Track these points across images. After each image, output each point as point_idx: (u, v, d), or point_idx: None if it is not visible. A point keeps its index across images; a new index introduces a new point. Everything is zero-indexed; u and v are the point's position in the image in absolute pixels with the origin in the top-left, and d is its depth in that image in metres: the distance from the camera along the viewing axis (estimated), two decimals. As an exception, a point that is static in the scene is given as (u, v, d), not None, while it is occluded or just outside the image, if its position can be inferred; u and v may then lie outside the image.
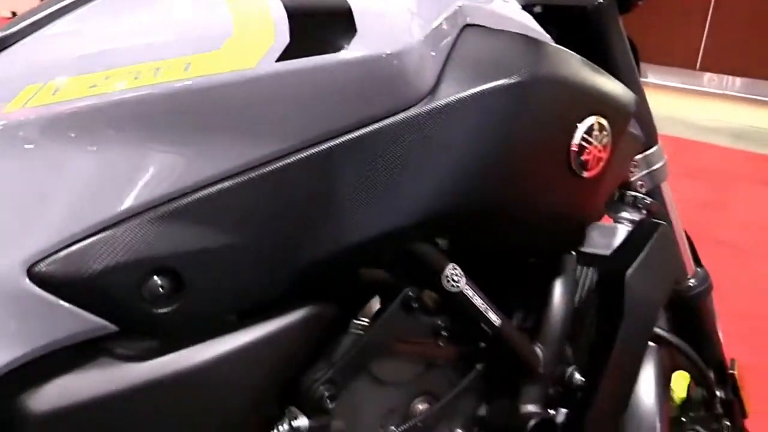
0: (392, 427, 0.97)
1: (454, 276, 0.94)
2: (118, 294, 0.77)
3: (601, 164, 0.98)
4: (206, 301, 0.82)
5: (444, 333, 0.99)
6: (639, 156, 1.33)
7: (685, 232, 1.48)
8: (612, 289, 1.11)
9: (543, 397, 1.07)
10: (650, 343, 1.41)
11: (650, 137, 1.34)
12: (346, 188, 0.84)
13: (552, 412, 1.16)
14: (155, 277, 0.78)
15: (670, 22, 6.67)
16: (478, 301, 0.97)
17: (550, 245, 1.04)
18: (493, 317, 0.98)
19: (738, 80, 6.95)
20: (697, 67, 6.96)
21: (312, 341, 0.89)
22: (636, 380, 1.15)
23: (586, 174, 0.96)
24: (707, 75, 6.99)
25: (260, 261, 0.82)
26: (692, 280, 1.46)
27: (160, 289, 0.78)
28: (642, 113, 1.27)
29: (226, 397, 0.84)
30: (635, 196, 1.24)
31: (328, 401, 0.91)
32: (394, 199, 0.85)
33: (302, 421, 0.92)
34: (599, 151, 0.96)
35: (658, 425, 1.39)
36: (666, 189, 1.39)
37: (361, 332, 0.94)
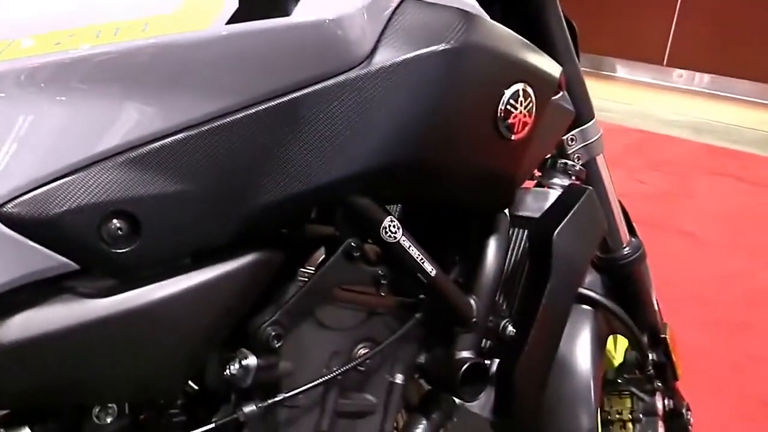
0: (336, 369, 1.06)
1: (392, 227, 1.03)
2: (80, 234, 0.83)
3: (527, 129, 1.06)
4: (161, 243, 0.88)
5: (383, 282, 1.07)
6: (575, 130, 1.43)
7: (620, 202, 1.58)
8: (540, 248, 1.20)
9: (476, 345, 1.17)
10: (586, 307, 1.52)
11: (586, 113, 1.43)
12: (289, 143, 0.92)
13: (487, 362, 1.26)
14: (114, 220, 0.84)
15: (638, 17, 6.77)
16: (414, 252, 1.05)
17: (481, 203, 1.13)
18: (429, 267, 1.07)
19: (705, 76, 7.06)
20: (665, 62, 7.07)
21: (260, 284, 0.97)
22: (563, 330, 1.25)
23: (512, 137, 1.05)
24: (675, 71, 7.11)
25: (211, 207, 0.90)
26: (626, 249, 1.56)
27: (119, 231, 0.85)
28: (576, 89, 1.37)
29: (180, 333, 0.91)
30: (565, 163, 1.34)
31: (275, 341, 1.00)
32: (334, 154, 0.93)
33: (251, 360, 1.00)
34: (524, 116, 1.05)
35: (591, 385, 1.49)
36: (601, 162, 1.48)
37: (306, 279, 1.03)
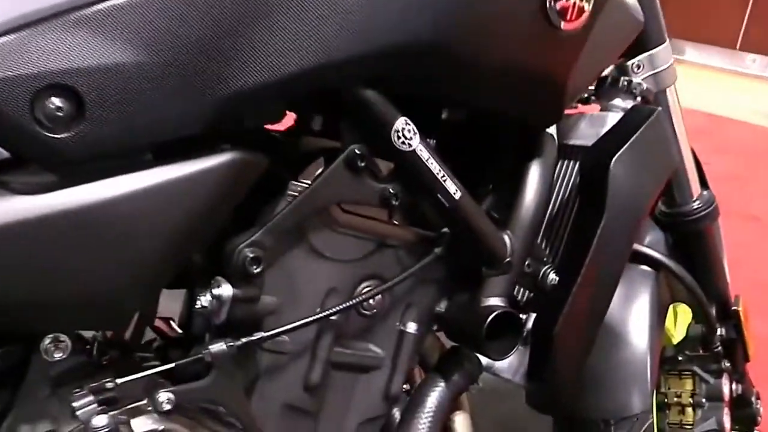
0: (332, 309, 0.85)
1: (406, 132, 0.82)
2: (9, 113, 0.67)
3: (582, 19, 0.84)
4: (110, 128, 0.71)
5: (395, 203, 0.86)
6: (643, 55, 1.19)
7: (693, 151, 1.34)
8: (594, 178, 0.98)
9: (509, 292, 0.95)
10: (646, 268, 1.29)
11: (656, 34, 1.19)
12: (272, 11, 0.72)
13: (522, 316, 1.04)
14: (51, 97, 0.67)
15: (712, 0, 6.43)
16: (434, 166, 0.84)
17: (523, 112, 0.91)
18: (452, 188, 0.86)
19: (780, 63, 6.69)
20: (738, 47, 6.70)
21: (237, 191, 0.78)
22: (615, 286, 1.02)
23: (563, 25, 0.83)
24: (748, 56, 6.73)
25: (170, 87, 0.71)
26: (697, 202, 1.32)
27: (57, 111, 0.68)
28: (646, 4, 1.13)
29: (135, 244, 0.74)
30: (629, 81, 1.10)
31: (253, 266, 0.80)
32: (334, 28, 0.73)
33: (226, 290, 0.81)
34: (580, 1, 0.83)
35: (648, 359, 1.26)
36: (672, 96, 1.24)
37: (297, 194, 0.82)
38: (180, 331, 1.06)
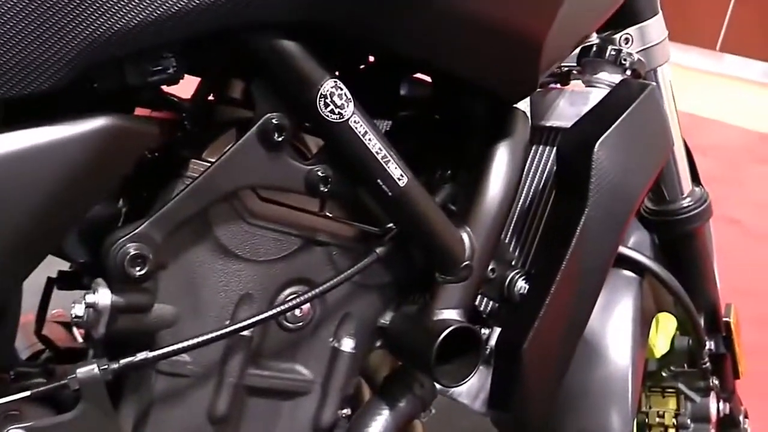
0: (245, 321, 0.67)
1: (336, 97, 0.63)
2: None
3: (563, -40, 0.66)
4: None
5: (324, 189, 0.67)
6: (632, 27, 1.01)
7: (685, 142, 1.17)
8: (574, 164, 0.80)
9: (467, 303, 0.77)
10: (629, 273, 1.11)
11: (649, 5, 1.01)
12: None
13: (484, 331, 0.86)
14: None
15: (691, 1, 6.31)
16: (373, 143, 0.66)
17: (486, 77, 0.72)
18: (397, 172, 0.67)
19: (759, 64, 6.57)
20: (718, 48, 6.58)
21: (111, 165, 0.60)
22: (597, 295, 0.84)
23: (538, -33, 0.65)
24: (728, 57, 6.62)
25: (11, 27, 0.52)
26: (687, 199, 1.15)
27: None
28: None
29: None
30: (618, 50, 0.92)
31: (134, 266, 0.61)
32: None
33: (102, 297, 0.62)
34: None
35: (630, 375, 1.08)
36: (664, 75, 1.06)
37: (197, 175, 0.64)
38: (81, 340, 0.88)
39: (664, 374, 1.29)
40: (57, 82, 0.55)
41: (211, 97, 0.74)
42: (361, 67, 0.79)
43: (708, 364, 1.25)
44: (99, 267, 0.64)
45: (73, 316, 0.64)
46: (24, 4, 0.53)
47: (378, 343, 0.80)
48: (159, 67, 0.61)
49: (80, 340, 0.99)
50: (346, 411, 0.84)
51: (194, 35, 0.58)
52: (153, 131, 0.61)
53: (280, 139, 0.64)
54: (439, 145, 0.83)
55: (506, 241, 0.84)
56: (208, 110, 0.71)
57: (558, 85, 0.99)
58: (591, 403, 1.08)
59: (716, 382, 1.28)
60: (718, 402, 1.30)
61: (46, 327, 0.85)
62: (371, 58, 0.79)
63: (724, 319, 1.28)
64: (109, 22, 0.55)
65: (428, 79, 0.83)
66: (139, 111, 0.68)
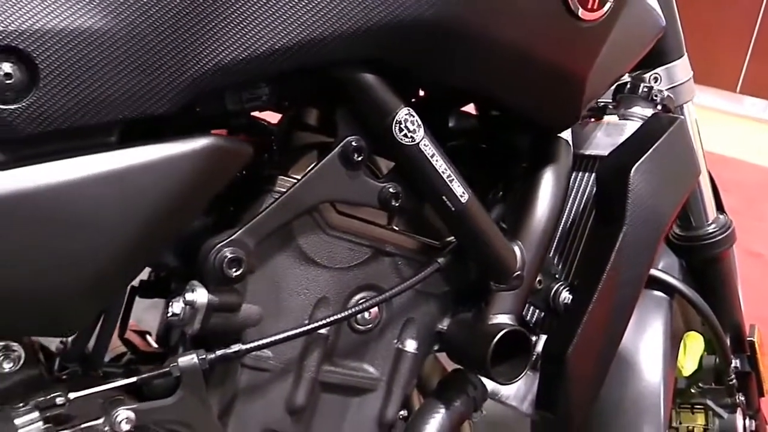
0: (323, 321, 0.73)
1: (409, 123, 0.70)
2: None
3: (604, 9, 0.73)
4: (67, 101, 0.59)
5: (395, 204, 0.74)
6: (661, 68, 1.07)
7: (709, 173, 1.22)
8: (612, 188, 0.86)
9: (518, 310, 0.82)
10: (660, 294, 1.16)
11: (674, 47, 1.08)
12: None
13: (533, 339, 0.91)
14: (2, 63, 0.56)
15: (712, 42, 6.33)
16: (439, 164, 0.72)
17: (537, 109, 0.79)
18: (459, 190, 0.74)
19: (779, 107, 6.57)
20: (738, 90, 6.58)
21: (212, 181, 0.66)
22: (633, 307, 0.89)
23: (583, 14, 0.71)
24: (748, 99, 6.62)
25: (136, 59, 0.60)
26: (713, 226, 1.20)
27: (6, 79, 0.57)
28: (668, 15, 1.01)
29: (90, 228, 0.62)
30: (650, 87, 0.98)
31: (231, 268, 0.68)
32: None
33: (200, 295, 0.69)
34: (603, -10, 0.71)
35: (661, 391, 1.12)
36: (690, 112, 1.12)
37: (285, 190, 0.71)
38: (156, 346, 0.94)
39: (692, 391, 1.32)
40: (172, 106, 0.62)
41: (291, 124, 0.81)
42: (412, 101, 0.87)
43: (734, 381, 1.28)
44: (191, 271, 0.71)
45: (170, 313, 0.70)
46: (149, 39, 0.60)
47: (436, 347, 0.86)
48: (255, 95, 0.69)
49: (155, 346, 1.05)
50: (403, 413, 0.90)
51: (288, 69, 0.65)
52: (248, 151, 0.68)
53: (358, 159, 0.71)
54: (488, 171, 0.90)
55: (551, 256, 0.90)
56: (290, 135, 0.78)
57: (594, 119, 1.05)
58: (625, 418, 1.11)
59: (742, 398, 1.31)
60: (744, 418, 1.32)
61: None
62: (421, 93, 0.86)
63: (749, 338, 1.31)
64: (219, 57, 0.61)
65: (474, 112, 0.90)
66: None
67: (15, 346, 0.69)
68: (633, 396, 1.11)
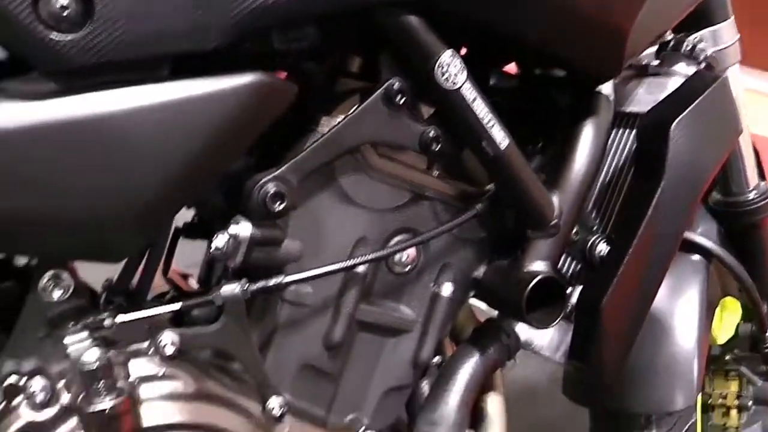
0: (362, 258, 0.74)
1: (452, 66, 0.70)
2: (10, 10, 0.58)
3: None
4: (121, 33, 0.61)
5: (435, 148, 0.75)
6: (705, 30, 1.06)
7: (752, 140, 1.21)
8: (652, 142, 0.85)
9: (554, 258, 0.83)
10: (697, 257, 1.15)
11: (720, 10, 1.07)
12: None
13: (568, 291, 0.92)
14: None
15: (754, 24, 6.19)
16: (481, 109, 0.73)
17: (577, 58, 0.79)
18: (499, 135, 0.74)
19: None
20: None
21: (258, 116, 0.67)
22: (668, 263, 0.89)
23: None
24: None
25: None
26: (753, 192, 1.18)
27: (63, 10, 0.58)
28: None
29: (139, 156, 0.64)
30: (694, 45, 0.97)
31: (275, 202, 0.69)
32: None
33: (243, 228, 0.70)
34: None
35: (696, 355, 1.12)
36: (735, 75, 1.11)
37: (328, 129, 0.72)
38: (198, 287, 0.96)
39: (727, 358, 1.31)
40: (220, 42, 0.63)
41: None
42: None
43: (770, 350, 1.27)
44: (235, 209, 0.72)
45: (213, 248, 0.71)
46: None
47: (472, 294, 0.87)
48: (300, 36, 0.70)
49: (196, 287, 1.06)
50: (437, 359, 0.91)
51: (333, 11, 0.66)
52: (293, 90, 0.69)
53: (401, 101, 0.72)
54: (528, 128, 0.90)
55: (589, 210, 0.90)
56: (334, 80, 0.79)
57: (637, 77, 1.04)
58: (657, 380, 1.11)
59: (777, 367, 1.30)
60: (779, 387, 1.32)
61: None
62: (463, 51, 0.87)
63: (787, 307, 1.30)
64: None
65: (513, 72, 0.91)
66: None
67: (65, 275, 0.71)
68: (666, 359, 1.11)
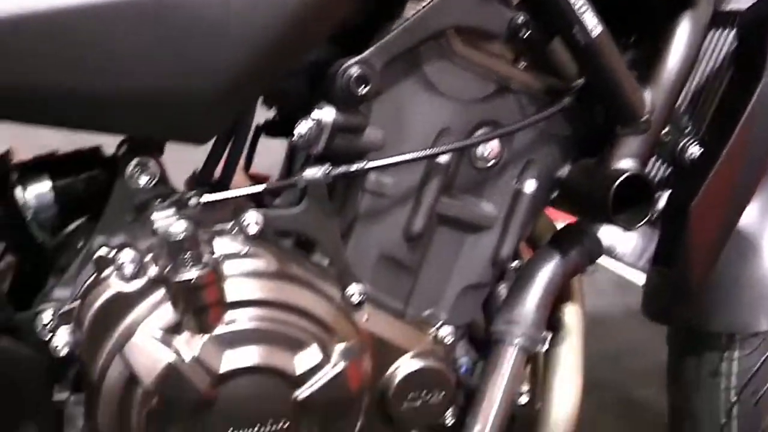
0: (442, 147, 0.73)
1: None
2: None
3: None
4: None
5: (523, 34, 0.72)
6: None
7: None
8: (753, 39, 0.81)
9: (643, 155, 0.79)
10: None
11: None
12: None
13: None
14: None
15: None
16: None
17: None
18: (591, 22, 0.71)
19: None
20: None
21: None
22: (763, 170, 0.85)
23: None
24: None
25: None
26: None
27: None
28: None
29: (226, 32, 0.64)
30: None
31: (359, 86, 0.68)
32: None
33: (327, 113, 0.69)
34: None
35: None
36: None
37: (413, 14, 0.70)
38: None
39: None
40: None
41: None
42: None
43: None
44: (319, 97, 0.71)
45: (296, 134, 0.71)
46: None
47: (555, 193, 0.84)
48: None
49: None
50: (516, 263, 0.89)
51: None
52: None
53: None
54: (621, 19, 0.86)
55: (682, 111, 0.86)
56: None
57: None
58: (742, 298, 1.06)
59: None
60: None
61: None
62: None
63: None
64: None
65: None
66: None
67: (151, 162, 0.73)
68: (753, 278, 1.06)
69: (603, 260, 0.87)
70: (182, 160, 0.81)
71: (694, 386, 1.08)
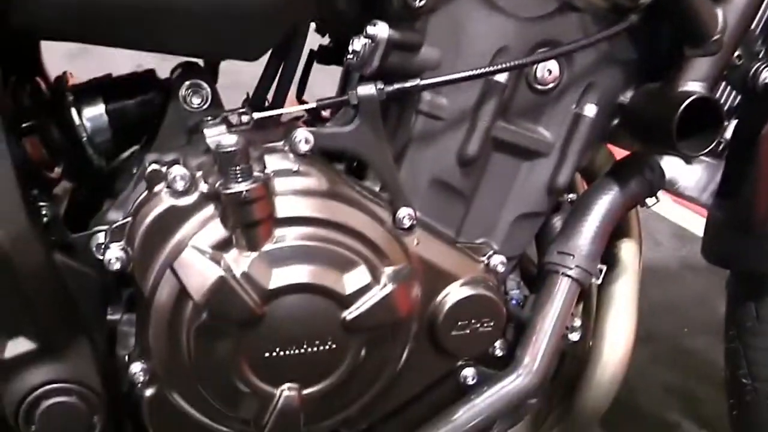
0: (501, 66, 0.70)
1: None
2: None
3: None
4: None
5: None
6: None
7: None
8: None
9: (711, 76, 0.75)
10: None
11: None
12: None
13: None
14: None
15: None
16: None
17: None
18: None
19: None
20: None
21: None
22: None
23: None
24: None
25: None
26: None
27: None
28: None
29: None
30: None
31: None
32: None
33: (381, 30, 0.67)
34: None
35: None
36: None
37: None
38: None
39: None
40: None
41: None
42: None
43: None
44: (374, 15, 0.69)
45: (350, 51, 0.69)
46: None
47: (616, 120, 0.80)
48: None
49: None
50: (571, 196, 0.86)
51: None
52: None
53: None
54: None
55: (756, 33, 0.81)
56: None
57: None
58: None
59: None
60: None
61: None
62: None
63: None
64: None
65: None
66: None
67: (203, 84, 0.72)
68: None
69: (661, 208, 0.83)
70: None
71: (752, 333, 1.05)
